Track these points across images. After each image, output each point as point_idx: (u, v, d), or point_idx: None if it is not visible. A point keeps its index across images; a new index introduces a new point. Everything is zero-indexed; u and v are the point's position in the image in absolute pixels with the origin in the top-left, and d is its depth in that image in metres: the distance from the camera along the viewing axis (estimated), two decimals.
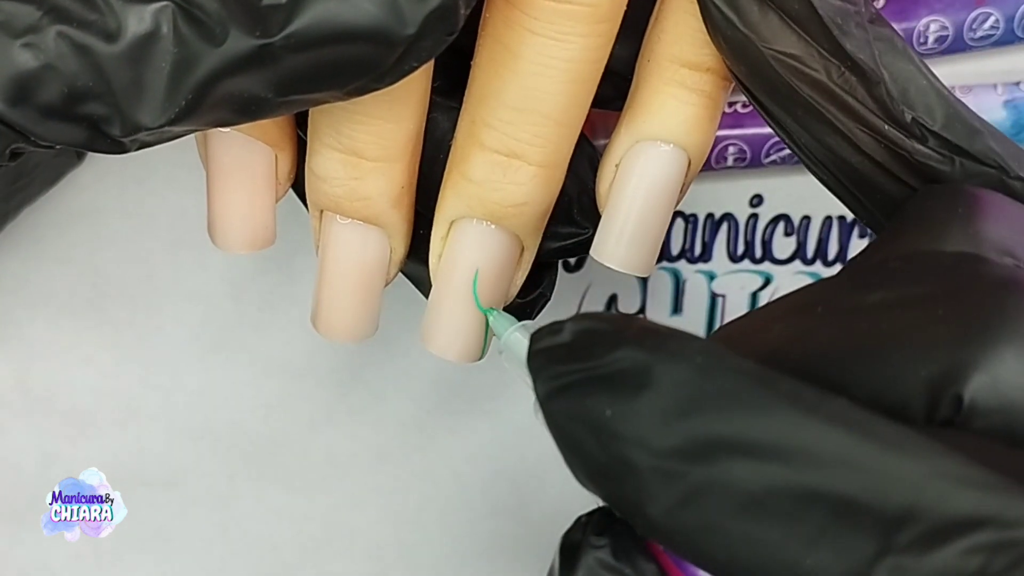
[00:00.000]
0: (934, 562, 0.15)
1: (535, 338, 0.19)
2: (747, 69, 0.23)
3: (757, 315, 0.21)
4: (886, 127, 0.22)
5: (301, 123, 0.26)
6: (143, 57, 0.20)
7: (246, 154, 0.25)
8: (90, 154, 0.35)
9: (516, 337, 0.24)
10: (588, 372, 0.18)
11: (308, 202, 0.26)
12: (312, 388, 0.37)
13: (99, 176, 0.35)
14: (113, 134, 0.21)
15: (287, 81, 0.21)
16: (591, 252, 0.26)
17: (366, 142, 0.24)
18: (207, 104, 0.21)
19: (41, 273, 0.35)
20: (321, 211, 0.26)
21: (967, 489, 0.16)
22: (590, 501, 0.38)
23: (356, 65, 0.21)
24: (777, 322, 0.20)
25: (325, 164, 0.24)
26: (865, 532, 0.16)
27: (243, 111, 0.21)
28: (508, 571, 0.38)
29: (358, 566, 0.38)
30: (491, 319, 0.25)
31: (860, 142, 0.22)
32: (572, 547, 0.21)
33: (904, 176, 0.22)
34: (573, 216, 0.26)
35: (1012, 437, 0.17)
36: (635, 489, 0.17)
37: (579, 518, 0.21)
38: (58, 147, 0.21)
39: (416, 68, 0.21)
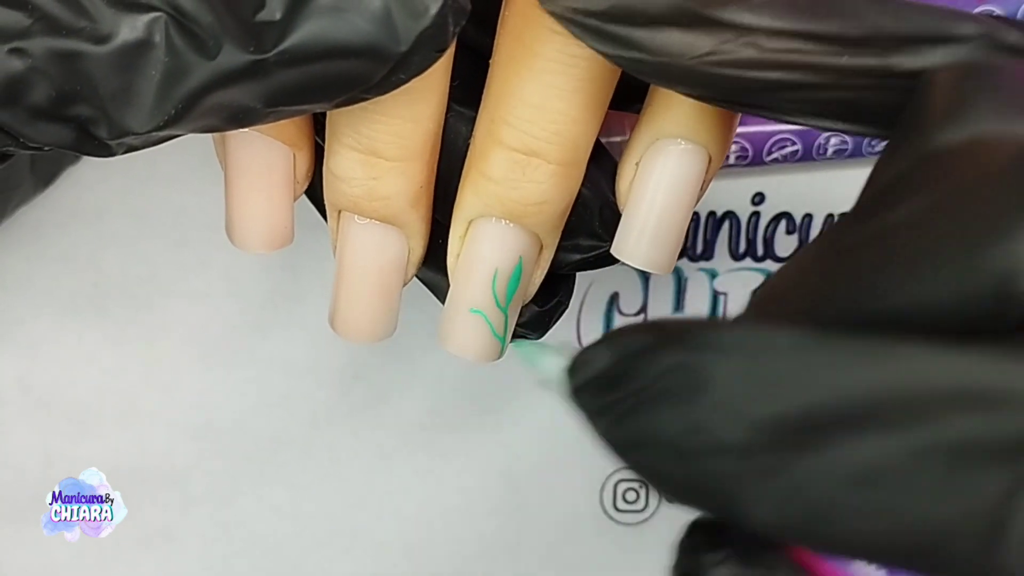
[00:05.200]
0: None
1: (573, 374, 0.18)
2: (690, 88, 0.22)
3: (786, 272, 0.19)
4: (842, 59, 0.21)
5: (318, 125, 0.26)
6: (133, 64, 0.20)
7: (265, 153, 0.25)
8: None
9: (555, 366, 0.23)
10: (640, 394, 0.17)
11: (326, 202, 0.26)
12: (314, 387, 0.37)
13: (102, 175, 0.35)
14: (100, 136, 0.21)
15: (278, 94, 0.21)
16: (612, 250, 0.26)
17: (385, 142, 0.24)
18: (196, 113, 0.21)
19: (43, 272, 0.35)
20: (339, 211, 0.26)
21: None
22: (590, 500, 0.38)
23: (347, 79, 0.21)
24: (809, 273, 0.19)
25: (344, 164, 0.24)
26: (991, 469, 0.15)
27: (231, 120, 0.21)
28: (509, 570, 0.39)
29: (360, 565, 0.38)
30: (517, 350, 0.25)
31: (831, 86, 0.21)
32: None
33: (891, 89, 0.21)
34: (595, 228, 0.26)
35: None
36: (734, 497, 0.16)
37: (680, 543, 0.19)
38: (47, 149, 0.21)
39: (405, 81, 0.21)
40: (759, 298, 0.19)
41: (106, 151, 0.21)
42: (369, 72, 0.21)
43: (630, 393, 0.17)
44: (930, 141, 0.18)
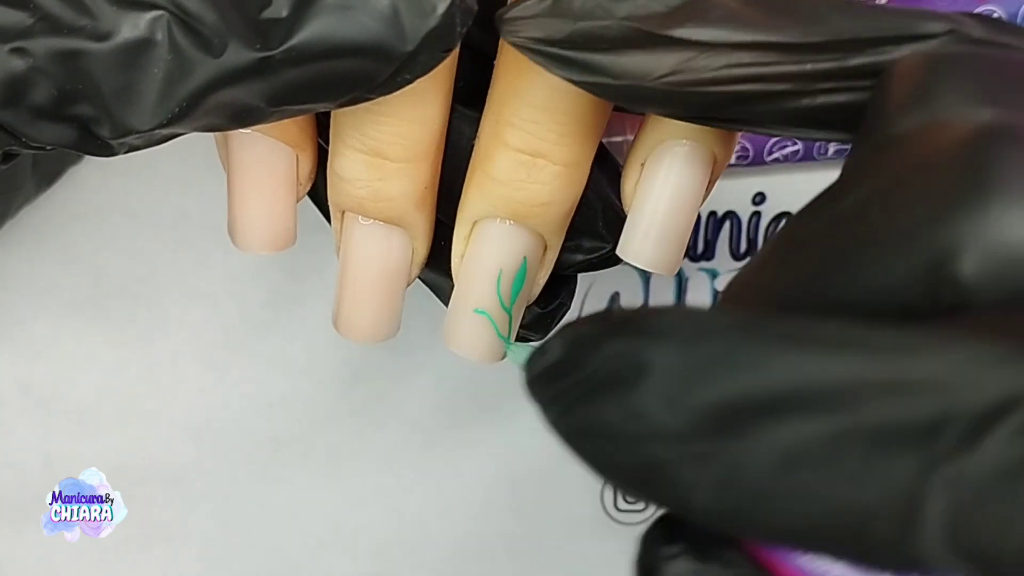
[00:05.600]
0: (984, 457, 0.14)
1: (528, 366, 0.18)
2: (659, 108, 0.22)
3: (751, 266, 0.19)
4: (807, 67, 0.21)
5: (321, 126, 0.26)
6: (135, 63, 0.20)
7: (267, 155, 0.25)
8: None
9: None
10: (584, 382, 0.17)
11: (330, 203, 0.26)
12: (314, 387, 0.37)
13: (102, 175, 0.35)
14: (102, 135, 0.21)
15: (282, 92, 0.21)
16: (617, 251, 0.26)
17: (390, 143, 0.24)
18: (199, 111, 0.21)
19: (43, 272, 0.35)
20: (343, 212, 0.26)
21: (991, 370, 0.14)
22: (591, 499, 0.38)
23: (352, 78, 0.21)
24: (769, 266, 0.19)
25: (348, 165, 0.24)
26: (904, 452, 0.14)
27: (234, 119, 0.21)
28: (510, 570, 0.39)
29: (360, 564, 0.38)
30: (509, 352, 0.25)
31: (800, 93, 0.21)
32: (649, 571, 0.19)
33: (862, 90, 0.21)
34: (599, 230, 0.26)
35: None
36: (675, 484, 0.16)
37: (643, 536, 0.19)
38: (49, 148, 0.21)
39: (410, 81, 0.21)
40: (727, 291, 0.19)
41: (108, 151, 0.21)
42: (375, 71, 0.21)
43: (577, 382, 0.17)
44: (886, 129, 0.18)
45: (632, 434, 0.16)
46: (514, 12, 0.21)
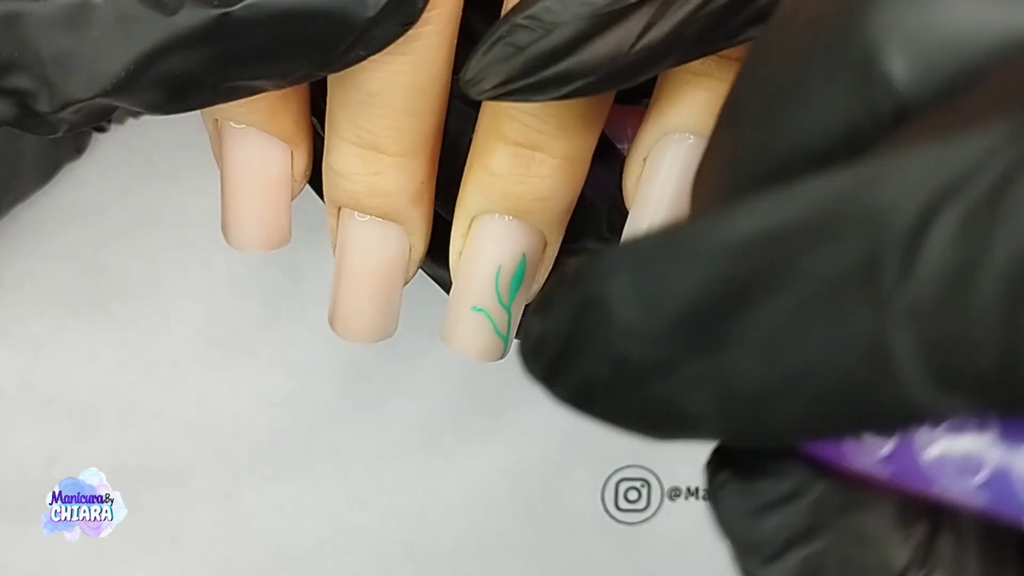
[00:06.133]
0: (926, 275, 0.13)
1: (520, 351, 0.17)
2: (655, 67, 0.21)
3: (705, 151, 0.18)
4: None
5: (319, 119, 0.26)
6: (75, 24, 0.19)
7: (261, 151, 0.25)
8: (91, 150, 0.34)
9: None
10: (564, 347, 0.16)
11: (325, 199, 0.26)
12: (316, 385, 0.37)
13: (102, 173, 0.35)
14: (41, 110, 0.20)
15: (233, 61, 0.20)
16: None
17: (386, 136, 0.24)
18: (144, 80, 0.20)
19: (44, 270, 0.35)
20: (338, 208, 0.25)
21: (909, 176, 0.13)
22: (592, 499, 0.38)
23: (306, 48, 0.20)
24: (720, 131, 0.17)
25: (344, 159, 0.24)
26: (855, 301, 0.13)
27: (178, 93, 0.21)
28: (511, 569, 0.38)
29: (362, 564, 0.37)
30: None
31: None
32: (713, 504, 0.18)
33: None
34: (602, 231, 0.26)
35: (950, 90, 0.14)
36: (683, 416, 0.15)
37: (705, 472, 0.18)
38: None
39: (363, 58, 0.21)
40: (696, 172, 0.18)
41: (47, 128, 0.21)
42: (333, 39, 0.20)
43: (557, 350, 0.16)
44: None
45: (625, 380, 0.15)
46: (470, 72, 0.21)
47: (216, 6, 0.20)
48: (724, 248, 0.14)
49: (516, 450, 0.37)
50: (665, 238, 0.15)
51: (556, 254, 0.26)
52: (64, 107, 0.20)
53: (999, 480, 0.16)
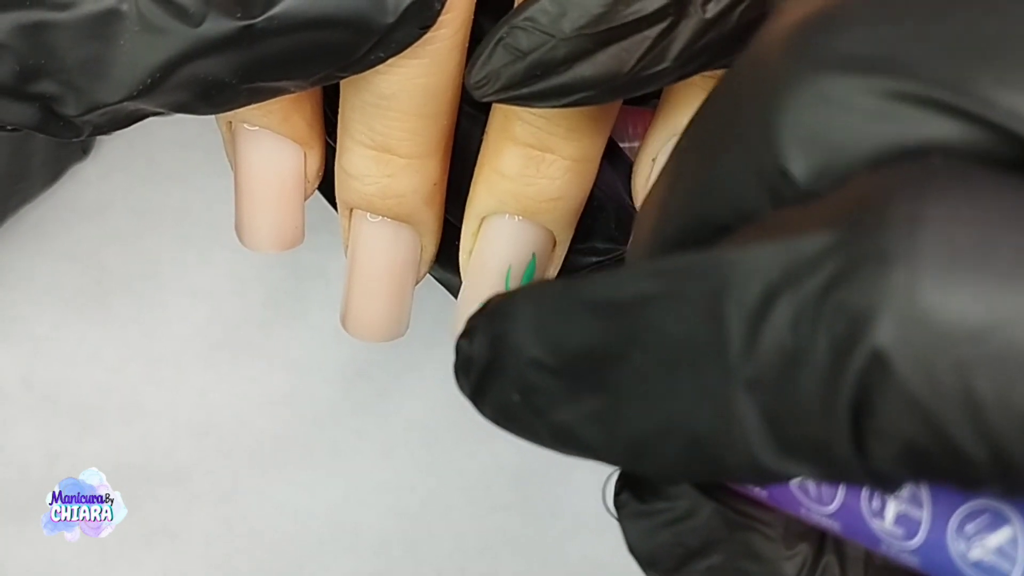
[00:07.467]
0: (763, 354, 0.14)
1: (454, 368, 0.19)
2: (658, 84, 0.22)
3: (655, 181, 0.19)
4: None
5: (329, 125, 0.26)
6: (102, 33, 0.20)
7: (275, 153, 0.25)
8: (96, 150, 0.34)
9: None
10: (481, 371, 0.17)
11: (338, 200, 0.26)
12: (317, 384, 0.37)
13: (105, 173, 0.35)
14: (66, 114, 0.20)
15: (257, 66, 0.21)
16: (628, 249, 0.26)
17: (399, 138, 0.24)
18: (169, 84, 0.20)
19: (46, 269, 0.35)
20: (351, 210, 0.25)
21: (760, 261, 0.14)
22: (592, 499, 0.38)
23: (330, 52, 0.21)
24: (660, 184, 0.18)
25: (357, 161, 0.24)
26: (707, 372, 0.15)
27: (204, 96, 0.21)
28: (512, 567, 0.38)
29: (363, 562, 0.37)
30: None
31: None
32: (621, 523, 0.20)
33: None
34: (611, 231, 0.26)
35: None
36: (583, 444, 0.17)
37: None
38: (9, 129, 0.21)
39: (383, 60, 0.21)
40: (637, 216, 0.19)
41: (72, 131, 0.21)
42: (353, 44, 0.21)
43: (476, 373, 0.18)
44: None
45: (533, 407, 0.17)
46: (474, 76, 0.22)
47: (239, 18, 0.20)
48: (605, 306, 0.16)
49: (517, 448, 0.38)
50: (563, 288, 0.16)
51: (565, 253, 0.26)
52: (91, 110, 0.20)
53: (848, 511, 0.18)
